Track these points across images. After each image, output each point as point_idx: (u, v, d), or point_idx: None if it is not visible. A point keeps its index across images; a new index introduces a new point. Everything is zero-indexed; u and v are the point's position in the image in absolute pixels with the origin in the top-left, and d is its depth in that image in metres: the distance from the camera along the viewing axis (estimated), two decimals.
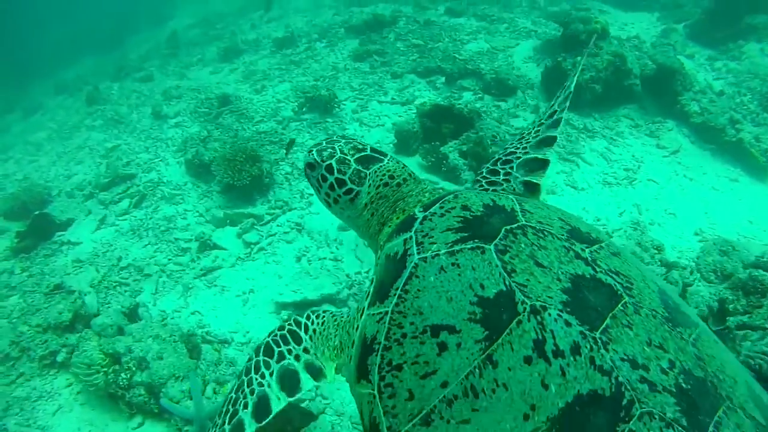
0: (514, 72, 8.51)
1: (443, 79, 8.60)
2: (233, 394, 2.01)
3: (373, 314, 1.68)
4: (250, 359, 2.08)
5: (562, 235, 1.68)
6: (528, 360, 1.35)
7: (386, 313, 1.63)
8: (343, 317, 2.09)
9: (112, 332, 4.64)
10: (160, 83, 11.82)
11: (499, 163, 2.40)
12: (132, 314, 5.02)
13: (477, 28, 10.26)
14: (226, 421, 1.91)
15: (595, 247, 1.67)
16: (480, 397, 1.38)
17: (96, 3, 23.76)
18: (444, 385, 1.43)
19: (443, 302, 1.53)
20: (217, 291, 5.40)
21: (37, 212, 7.06)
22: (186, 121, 9.16)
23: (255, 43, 12.02)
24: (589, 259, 1.60)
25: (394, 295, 1.64)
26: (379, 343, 1.60)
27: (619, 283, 1.54)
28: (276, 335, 2.09)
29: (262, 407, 1.90)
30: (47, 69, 18.45)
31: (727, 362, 1.54)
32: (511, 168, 2.35)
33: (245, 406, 1.92)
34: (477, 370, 1.40)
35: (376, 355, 1.60)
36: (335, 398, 4.14)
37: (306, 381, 1.96)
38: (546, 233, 1.66)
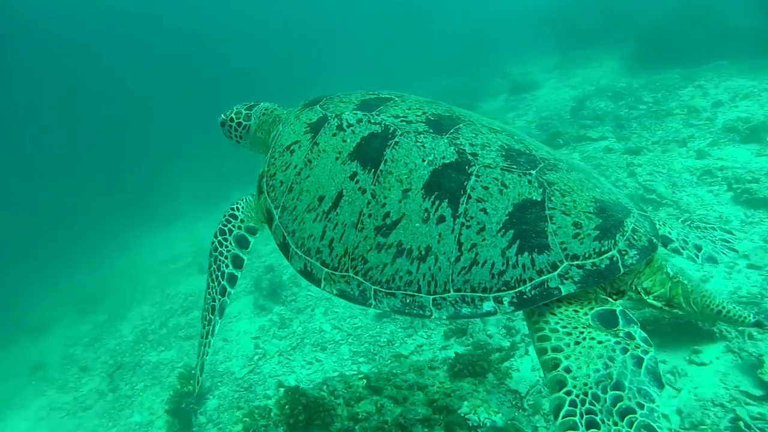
0: None
1: None
2: (213, 265, 3.11)
3: (264, 164, 3.09)
4: (212, 242, 3.13)
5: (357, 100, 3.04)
6: (335, 134, 2.75)
7: (269, 157, 3.05)
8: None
9: None
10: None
11: None
12: None
13: None
14: (220, 277, 3.03)
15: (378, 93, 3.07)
16: (313, 162, 2.74)
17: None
18: (295, 167, 2.82)
19: (290, 135, 2.98)
20: None
21: None
22: None
23: None
24: (374, 93, 3.02)
25: (271, 146, 3.12)
26: (264, 172, 3.02)
27: (394, 96, 2.92)
28: (222, 221, 3.17)
29: (237, 261, 3.10)
30: None
31: (479, 115, 2.81)
32: None
33: (226, 266, 3.07)
34: (309, 152, 2.79)
35: (264, 178, 3.00)
36: None
37: (249, 238, 3.13)
38: (345, 99, 3.02)
